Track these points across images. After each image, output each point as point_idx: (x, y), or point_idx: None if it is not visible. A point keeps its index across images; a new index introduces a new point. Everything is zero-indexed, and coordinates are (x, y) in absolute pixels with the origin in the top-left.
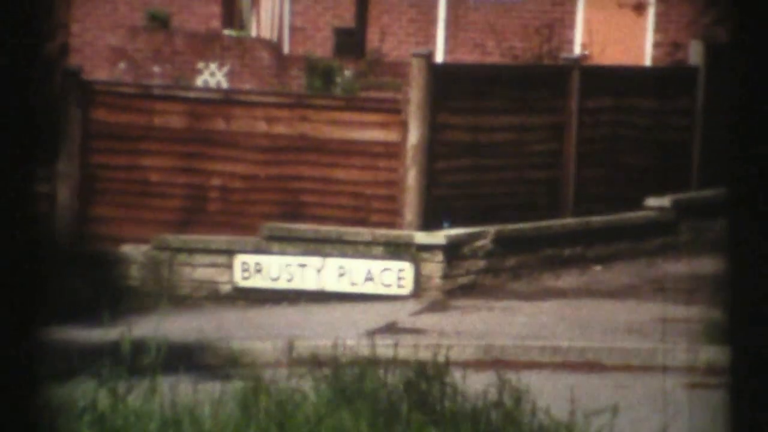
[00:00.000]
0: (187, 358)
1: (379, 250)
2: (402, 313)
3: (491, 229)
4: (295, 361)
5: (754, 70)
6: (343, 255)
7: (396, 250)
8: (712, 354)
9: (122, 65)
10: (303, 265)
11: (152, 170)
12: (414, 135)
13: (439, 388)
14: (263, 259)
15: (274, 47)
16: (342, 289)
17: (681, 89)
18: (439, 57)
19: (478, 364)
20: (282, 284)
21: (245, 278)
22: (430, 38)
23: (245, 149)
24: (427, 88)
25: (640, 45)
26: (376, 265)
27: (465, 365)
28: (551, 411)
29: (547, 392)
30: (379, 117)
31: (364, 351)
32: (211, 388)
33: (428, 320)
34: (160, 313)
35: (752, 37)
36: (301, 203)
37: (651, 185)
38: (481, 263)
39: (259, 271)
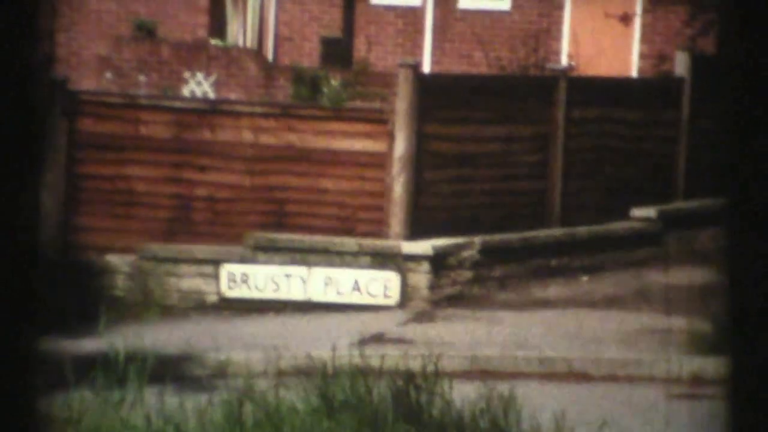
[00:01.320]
0: (174, 369)
1: (365, 260)
2: (389, 324)
3: (478, 240)
4: (282, 371)
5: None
6: (330, 265)
7: (382, 260)
8: (698, 364)
9: (108, 75)
10: (289, 275)
11: (138, 180)
12: (401, 145)
13: (425, 398)
14: (249, 269)
15: (261, 57)
16: (328, 299)
17: (667, 100)
18: (426, 67)
19: (465, 375)
20: (268, 294)
21: (231, 288)
22: (417, 48)
23: (231, 159)
24: (414, 98)
25: (627, 56)
26: (362, 276)
27: (452, 376)
28: (538, 422)
29: (534, 403)
30: (366, 127)
31: (351, 361)
32: (198, 399)
33: (415, 331)
34: (146, 324)
35: (742, 45)
36: (287, 213)
37: (637, 196)
38: (468, 273)
39: (245, 281)
